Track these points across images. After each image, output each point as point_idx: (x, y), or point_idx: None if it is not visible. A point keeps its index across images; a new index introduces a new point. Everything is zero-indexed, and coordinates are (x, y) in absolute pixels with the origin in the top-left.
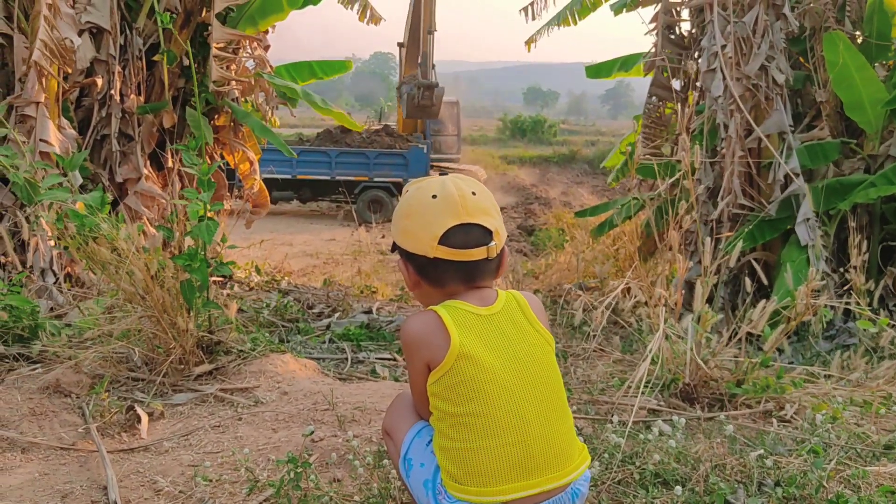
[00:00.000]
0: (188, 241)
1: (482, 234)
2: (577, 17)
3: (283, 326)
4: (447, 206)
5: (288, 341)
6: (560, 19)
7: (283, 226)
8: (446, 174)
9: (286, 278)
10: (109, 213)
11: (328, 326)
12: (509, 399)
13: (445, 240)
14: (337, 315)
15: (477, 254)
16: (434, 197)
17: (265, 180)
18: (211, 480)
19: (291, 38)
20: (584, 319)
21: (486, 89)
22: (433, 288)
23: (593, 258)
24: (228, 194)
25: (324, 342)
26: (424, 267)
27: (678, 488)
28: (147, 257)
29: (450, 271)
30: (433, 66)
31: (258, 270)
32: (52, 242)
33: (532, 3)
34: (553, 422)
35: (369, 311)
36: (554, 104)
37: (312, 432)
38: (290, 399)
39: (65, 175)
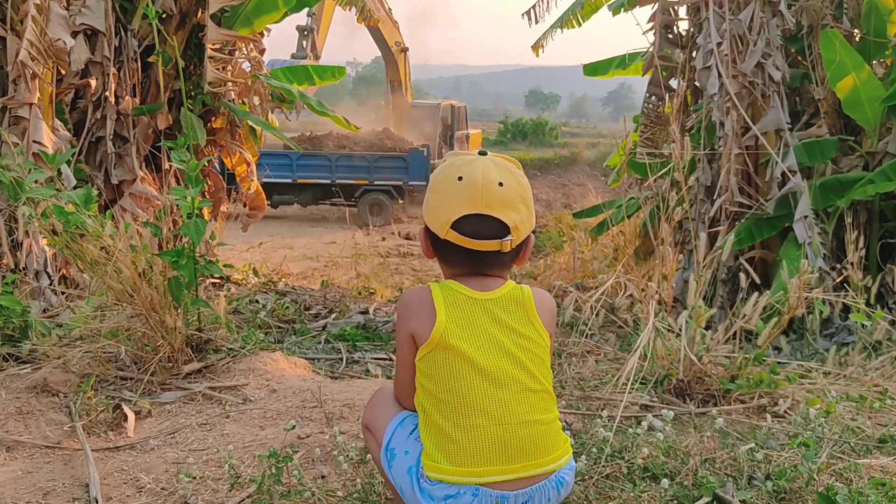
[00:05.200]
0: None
1: (498, 228)
2: (580, 19)
3: (279, 327)
4: (467, 192)
5: (282, 342)
6: (563, 22)
7: (283, 229)
8: (485, 153)
9: (284, 280)
10: (102, 211)
11: (324, 327)
12: (489, 382)
13: (458, 226)
14: (333, 316)
15: (488, 245)
16: (459, 179)
17: (266, 184)
18: (194, 477)
19: (290, 41)
20: (574, 316)
21: (488, 92)
22: (443, 263)
23: (592, 258)
24: (226, 198)
25: (319, 343)
26: (437, 243)
27: (665, 481)
28: (134, 255)
29: (459, 256)
30: None
31: (255, 272)
32: (45, 242)
33: (534, 7)
34: (536, 410)
35: (366, 312)
36: (555, 107)
37: (294, 427)
38: (278, 397)
39: (58, 172)
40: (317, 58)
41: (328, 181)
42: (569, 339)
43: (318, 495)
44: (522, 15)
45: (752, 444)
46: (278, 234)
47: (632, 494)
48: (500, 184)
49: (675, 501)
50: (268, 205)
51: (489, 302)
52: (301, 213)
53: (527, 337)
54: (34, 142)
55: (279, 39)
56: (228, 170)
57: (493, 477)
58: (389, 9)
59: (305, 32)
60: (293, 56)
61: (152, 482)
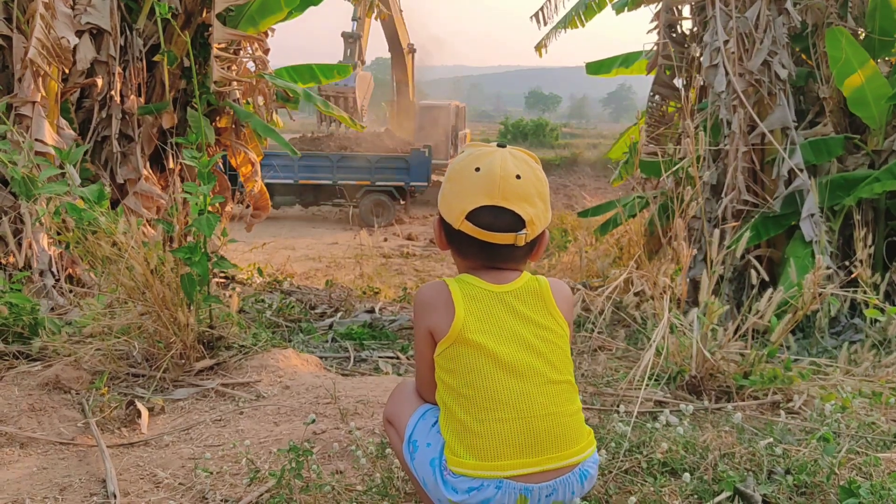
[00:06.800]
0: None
1: (513, 221)
2: (583, 18)
3: (286, 326)
4: (484, 183)
5: (290, 341)
6: (567, 21)
7: (285, 230)
8: (504, 146)
9: (288, 280)
10: (111, 208)
11: (331, 326)
12: (511, 375)
13: (473, 217)
14: (339, 315)
15: (502, 238)
16: (477, 170)
17: (267, 185)
18: (211, 473)
19: (292, 44)
20: (581, 315)
21: (488, 94)
22: (457, 255)
23: (596, 257)
24: (230, 198)
25: (326, 341)
26: (451, 234)
27: (686, 476)
28: (147, 252)
29: (473, 247)
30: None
31: (260, 272)
32: (48, 242)
33: (542, 9)
34: (559, 402)
35: (372, 311)
36: (555, 108)
37: (314, 420)
38: (291, 393)
39: (62, 168)
40: (363, 63)
41: (330, 182)
42: (578, 335)
43: (337, 489)
44: (531, 17)
45: (771, 440)
46: (280, 234)
47: (652, 489)
48: (518, 176)
49: (696, 496)
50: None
51: (507, 294)
52: (302, 213)
53: (546, 328)
54: (36, 140)
55: (313, 44)
56: (231, 170)
57: (517, 470)
58: (401, 10)
59: (351, 39)
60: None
61: (169, 477)
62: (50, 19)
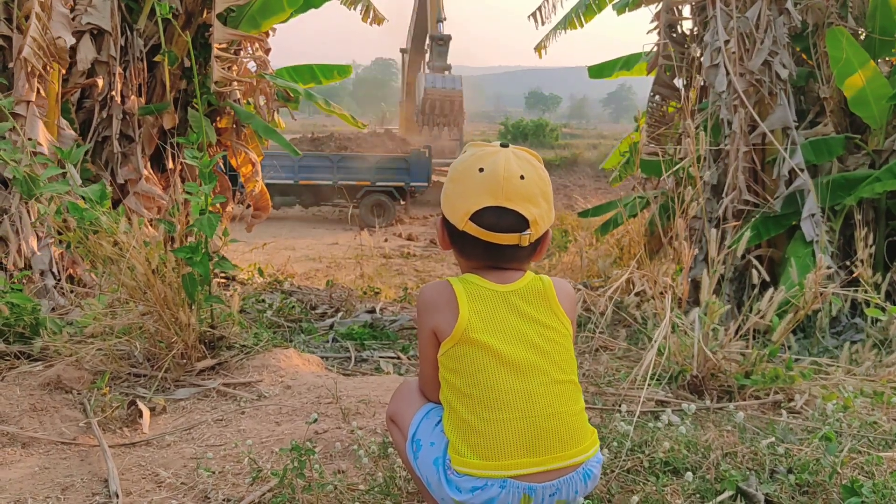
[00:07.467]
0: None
1: (517, 221)
2: (583, 19)
3: (286, 326)
4: (488, 184)
5: (291, 341)
6: (566, 22)
7: (285, 230)
8: (507, 145)
9: (289, 280)
10: (112, 208)
11: (331, 326)
12: (515, 375)
13: (477, 217)
14: (340, 315)
15: (506, 239)
16: (480, 170)
17: (267, 185)
18: (213, 472)
19: (292, 44)
20: (582, 315)
21: (488, 94)
22: (460, 256)
23: (597, 257)
24: (231, 198)
25: (327, 341)
26: (454, 235)
27: (689, 475)
28: (148, 251)
29: (477, 248)
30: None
31: (261, 272)
32: (50, 241)
33: (540, 9)
34: (563, 402)
35: (373, 311)
36: (556, 108)
37: (316, 420)
38: (293, 393)
39: (63, 168)
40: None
41: (330, 182)
42: (579, 335)
43: (339, 489)
44: (528, 17)
45: (773, 439)
46: (280, 235)
47: (654, 488)
48: (522, 177)
49: (698, 495)
50: None
51: (511, 294)
52: (303, 214)
53: (551, 327)
54: (29, 139)
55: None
56: (231, 170)
57: (521, 470)
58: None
59: (441, 42)
60: (430, 66)
61: (171, 477)
62: (46, 19)
